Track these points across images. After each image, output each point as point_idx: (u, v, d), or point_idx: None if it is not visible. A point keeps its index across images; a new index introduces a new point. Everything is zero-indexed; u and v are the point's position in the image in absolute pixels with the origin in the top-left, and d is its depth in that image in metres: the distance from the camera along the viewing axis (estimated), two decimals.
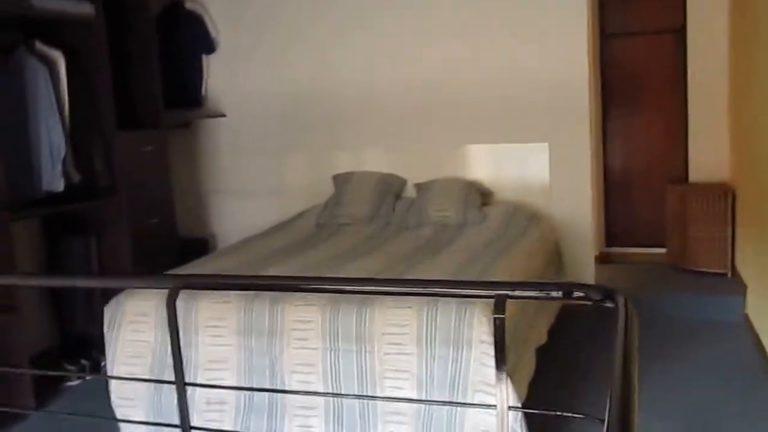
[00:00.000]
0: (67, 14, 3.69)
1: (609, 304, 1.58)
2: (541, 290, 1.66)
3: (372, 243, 3.97)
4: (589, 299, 1.62)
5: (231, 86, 5.07)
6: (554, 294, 1.66)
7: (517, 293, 1.68)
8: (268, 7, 4.90)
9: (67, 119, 3.68)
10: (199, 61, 4.97)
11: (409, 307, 2.63)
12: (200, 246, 5.00)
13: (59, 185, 3.64)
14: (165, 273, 2.79)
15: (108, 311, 3.09)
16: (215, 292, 2.95)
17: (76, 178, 3.75)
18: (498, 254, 3.53)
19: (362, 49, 4.74)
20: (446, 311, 2.58)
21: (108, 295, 4.02)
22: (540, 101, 4.44)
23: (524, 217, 4.28)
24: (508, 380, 2.46)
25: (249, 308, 2.82)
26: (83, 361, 3.94)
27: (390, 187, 4.60)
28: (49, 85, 3.58)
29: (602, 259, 5.37)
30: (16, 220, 3.43)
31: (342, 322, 2.66)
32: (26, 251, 4.04)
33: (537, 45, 4.41)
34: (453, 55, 4.57)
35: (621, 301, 1.56)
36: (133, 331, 3.01)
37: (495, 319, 1.66)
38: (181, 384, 1.99)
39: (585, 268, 4.57)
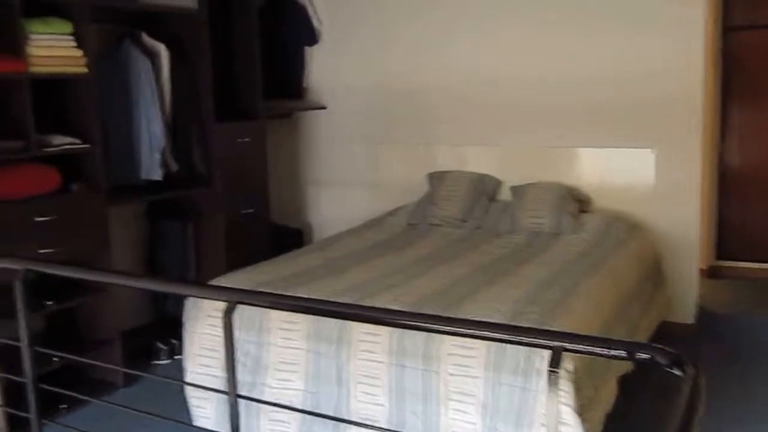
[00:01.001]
0: (170, 8, 3.78)
1: (676, 372, 1.43)
2: (602, 346, 1.53)
3: (460, 247, 3.88)
4: (654, 363, 1.48)
5: (332, 78, 5.07)
6: (616, 353, 1.53)
7: (576, 347, 1.56)
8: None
9: (167, 110, 3.80)
10: (302, 52, 4.99)
11: None
12: (295, 236, 5.07)
13: (157, 174, 3.77)
14: (222, 286, 2.80)
15: (189, 303, 3.17)
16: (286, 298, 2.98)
17: (174, 167, 3.87)
18: (589, 270, 3.35)
19: (465, 43, 4.61)
20: None
21: (200, 279, 4.18)
22: (648, 103, 4.16)
23: (623, 227, 4.06)
24: (579, 419, 2.34)
25: (320, 318, 2.82)
26: (173, 341, 4.09)
27: (485, 189, 4.47)
28: (151, 77, 3.70)
29: (711, 274, 5.02)
30: (113, 205, 3.58)
31: (409, 338, 2.60)
32: (130, 232, 4.24)
33: (647, 42, 4.12)
34: (556, 53, 4.36)
35: (690, 371, 1.41)
36: (209, 326, 3.08)
37: (549, 372, 1.55)
38: (233, 396, 2.00)
39: (688, 284, 4.29)
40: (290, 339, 2.85)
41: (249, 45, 4.35)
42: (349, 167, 5.13)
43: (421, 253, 3.75)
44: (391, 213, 4.63)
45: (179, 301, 4.08)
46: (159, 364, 3.99)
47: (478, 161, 4.64)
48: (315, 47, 5.04)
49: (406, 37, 4.78)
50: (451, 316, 2.61)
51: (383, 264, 3.52)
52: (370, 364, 2.67)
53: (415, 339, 2.59)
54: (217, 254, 4.16)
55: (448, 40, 4.65)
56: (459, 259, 3.60)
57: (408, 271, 3.38)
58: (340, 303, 2.00)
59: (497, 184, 4.55)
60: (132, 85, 3.73)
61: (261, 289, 3.09)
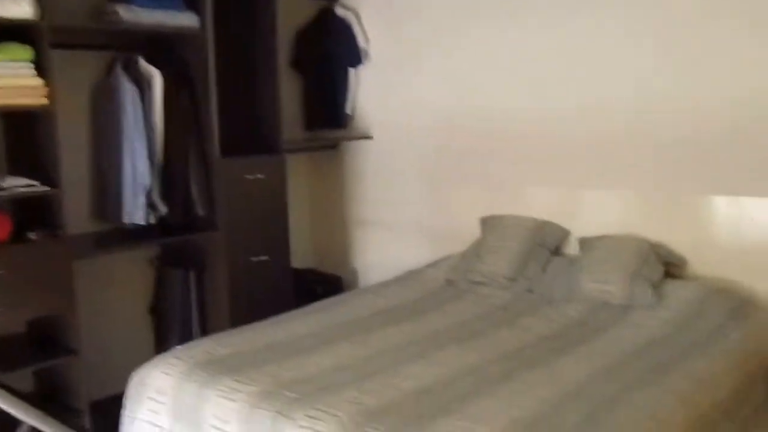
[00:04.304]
0: (164, 27, 3.29)
1: None
2: None
3: (494, 319, 3.07)
4: None
5: (380, 104, 4.39)
6: None
7: None
8: (426, 14, 4.12)
9: (158, 145, 3.31)
10: (346, 74, 4.38)
11: None
12: (333, 284, 4.43)
13: (141, 218, 3.29)
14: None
15: (134, 378, 2.65)
16: (223, 386, 2.38)
17: (163, 210, 3.38)
18: (655, 372, 2.40)
19: (535, 63, 3.74)
20: None
21: (204, 332, 3.67)
22: None
23: (725, 305, 3.01)
24: None
25: (251, 418, 2.19)
26: None
27: (545, 240, 3.61)
28: (138, 107, 3.23)
29: None
30: (81, 257, 3.13)
31: None
32: (136, 277, 3.81)
33: None
34: (649, 72, 3.40)
35: None
36: (149, 410, 2.55)
37: None
38: None
39: None
40: None
41: (270, 71, 3.79)
42: (401, 207, 4.42)
43: (441, 324, 2.99)
44: (433, 264, 3.87)
45: None
46: None
47: (547, 205, 3.76)
48: (362, 69, 4.41)
49: (466, 59, 3.99)
50: None
51: (382, 338, 2.82)
52: None
53: None
54: (221, 306, 3.63)
55: (515, 60, 3.82)
56: (482, 338, 2.81)
57: (405, 351, 2.66)
58: None
59: (563, 234, 3.67)
60: (119, 118, 3.28)
61: (213, 364, 2.53)
